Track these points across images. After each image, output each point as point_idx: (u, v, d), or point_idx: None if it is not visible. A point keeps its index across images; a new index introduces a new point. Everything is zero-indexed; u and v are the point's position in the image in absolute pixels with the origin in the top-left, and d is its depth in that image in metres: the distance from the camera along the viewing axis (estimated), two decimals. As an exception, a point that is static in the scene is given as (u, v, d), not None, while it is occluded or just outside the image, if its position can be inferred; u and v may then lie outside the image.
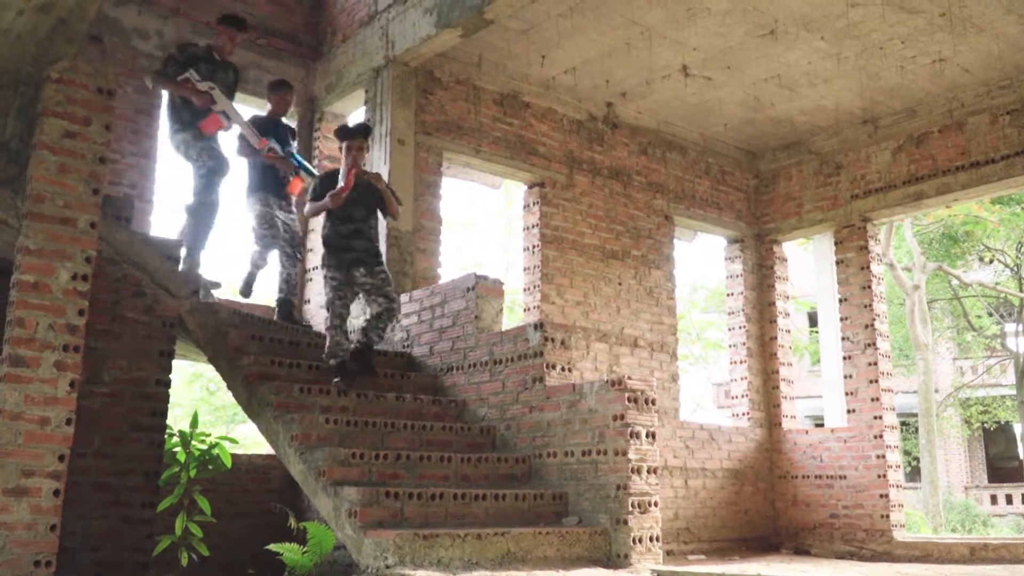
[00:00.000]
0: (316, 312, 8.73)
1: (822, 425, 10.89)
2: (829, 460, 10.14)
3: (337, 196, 6.60)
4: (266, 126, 7.70)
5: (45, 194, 4.94)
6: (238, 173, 7.77)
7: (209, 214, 7.20)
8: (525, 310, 9.42)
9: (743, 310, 10.99)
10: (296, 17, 9.54)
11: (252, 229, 7.65)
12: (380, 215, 6.94)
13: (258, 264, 7.76)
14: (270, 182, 7.60)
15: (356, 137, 6.84)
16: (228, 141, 7.58)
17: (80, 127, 5.09)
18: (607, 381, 6.18)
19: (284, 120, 8.00)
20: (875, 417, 9.85)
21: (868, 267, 10.25)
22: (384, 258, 6.99)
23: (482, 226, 25.68)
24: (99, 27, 7.98)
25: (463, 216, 24.79)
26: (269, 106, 7.96)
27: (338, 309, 6.63)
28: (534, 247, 9.37)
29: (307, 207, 6.89)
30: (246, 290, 7.77)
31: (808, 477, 10.29)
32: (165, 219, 37.38)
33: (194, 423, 7.10)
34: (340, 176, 6.73)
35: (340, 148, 6.93)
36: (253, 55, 9.07)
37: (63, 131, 5.04)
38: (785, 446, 10.58)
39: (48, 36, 5.22)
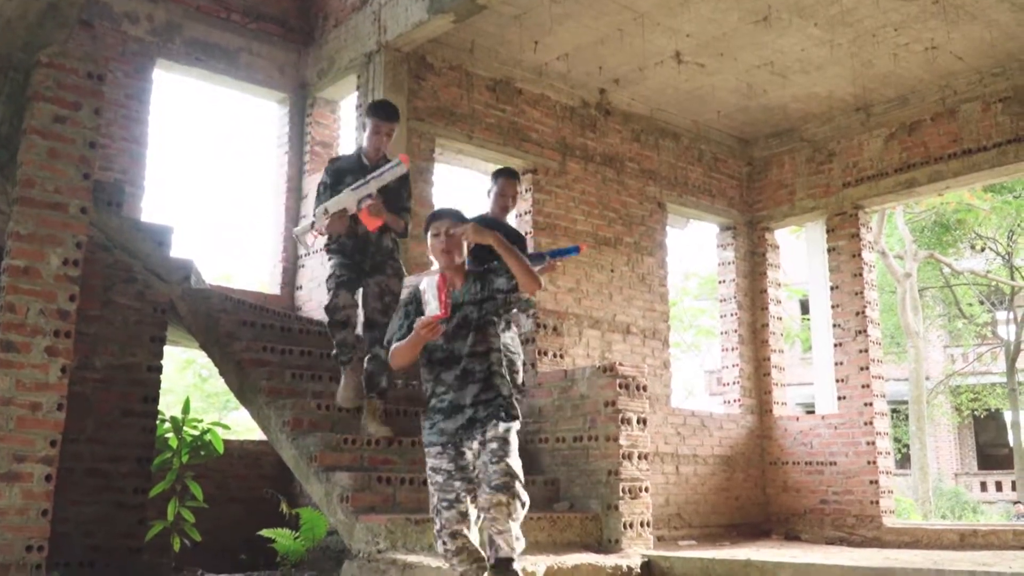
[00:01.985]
0: (308, 299, 8.72)
1: (813, 412, 10.93)
2: (820, 447, 10.18)
3: (433, 328, 4.00)
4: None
5: (35, 179, 4.93)
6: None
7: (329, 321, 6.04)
8: (518, 297, 9.41)
9: (735, 297, 11.01)
10: (287, 1, 9.50)
11: None
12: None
13: None
14: None
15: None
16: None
17: (70, 112, 5.08)
18: (599, 367, 6.20)
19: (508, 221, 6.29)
20: (866, 404, 9.89)
21: (860, 255, 10.26)
22: (505, 391, 4.26)
23: (474, 213, 25.64)
24: (89, 12, 7.93)
25: (456, 203, 24.75)
26: (490, 203, 6.25)
27: (449, 523, 4.10)
28: (526, 233, 9.36)
29: (391, 349, 4.24)
30: None
31: (799, 463, 10.33)
32: (156, 205, 37.27)
33: (186, 409, 7.10)
34: (429, 288, 4.20)
35: (432, 234, 4.29)
36: (243, 39, 9.03)
37: (53, 116, 5.02)
38: (776, 433, 10.62)
39: (38, 21, 5.20)
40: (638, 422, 6.08)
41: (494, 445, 4.11)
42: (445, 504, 4.13)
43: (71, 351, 4.96)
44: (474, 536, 4.17)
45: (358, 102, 8.57)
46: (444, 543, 4.15)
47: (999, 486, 25.63)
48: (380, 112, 6.00)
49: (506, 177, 6.21)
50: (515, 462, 4.11)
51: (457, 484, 4.14)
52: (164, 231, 6.67)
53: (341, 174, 5.96)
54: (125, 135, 8.17)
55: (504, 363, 4.40)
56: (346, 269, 5.92)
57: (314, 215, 5.90)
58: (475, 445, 4.17)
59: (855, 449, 9.86)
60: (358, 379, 5.99)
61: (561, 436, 6.31)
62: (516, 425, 4.22)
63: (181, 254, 6.82)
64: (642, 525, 5.97)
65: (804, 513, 10.16)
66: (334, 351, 6.07)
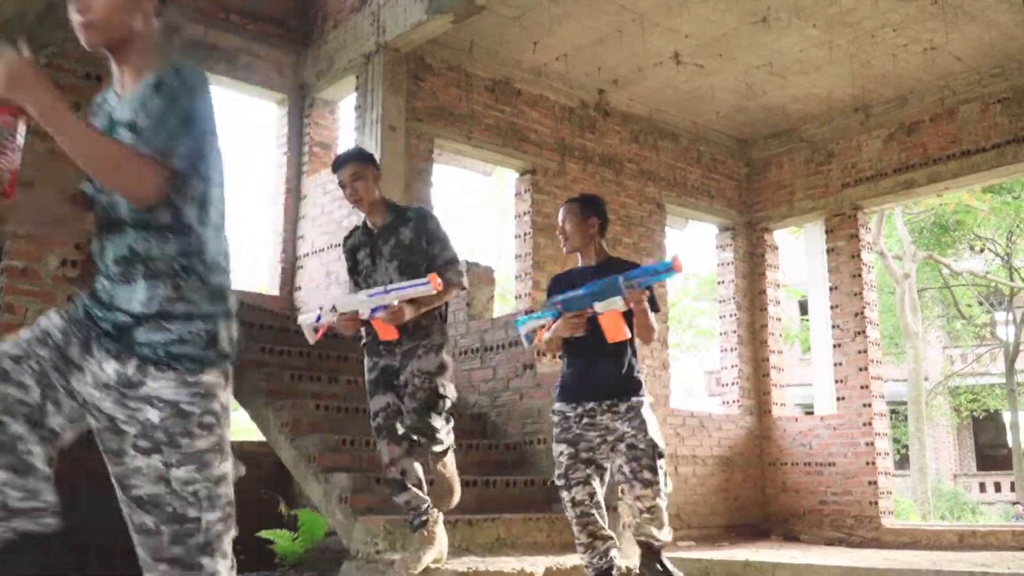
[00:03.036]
0: (306, 300, 8.71)
1: (812, 413, 10.93)
2: (819, 447, 10.18)
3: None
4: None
5: (34, 180, 4.92)
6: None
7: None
8: (516, 297, 9.42)
9: (734, 298, 11.01)
10: (286, 2, 9.49)
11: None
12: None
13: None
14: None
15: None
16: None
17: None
18: (598, 368, 6.18)
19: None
20: (864, 405, 9.89)
21: (859, 255, 10.27)
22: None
23: (474, 213, 25.68)
24: (88, 12, 7.92)
25: (455, 203, 24.79)
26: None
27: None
28: (525, 234, 9.36)
29: None
30: None
31: (798, 464, 10.33)
32: (156, 206, 37.18)
33: (185, 410, 7.07)
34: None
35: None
36: (242, 41, 9.03)
37: (52, 116, 5.01)
38: (775, 433, 10.62)
39: (37, 21, 5.20)
40: (637, 423, 6.07)
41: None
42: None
43: (69, 352, 4.95)
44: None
45: (357, 103, 8.57)
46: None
47: (998, 487, 25.61)
48: (334, 166, 4.71)
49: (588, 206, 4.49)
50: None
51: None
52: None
53: (354, 252, 4.78)
54: (124, 136, 8.15)
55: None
56: (381, 401, 4.58)
57: (320, 309, 4.59)
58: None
59: (854, 450, 9.86)
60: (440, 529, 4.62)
61: (560, 437, 6.30)
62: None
63: (180, 255, 6.80)
64: (641, 526, 5.95)
65: (803, 514, 10.15)
66: (412, 521, 4.61)
